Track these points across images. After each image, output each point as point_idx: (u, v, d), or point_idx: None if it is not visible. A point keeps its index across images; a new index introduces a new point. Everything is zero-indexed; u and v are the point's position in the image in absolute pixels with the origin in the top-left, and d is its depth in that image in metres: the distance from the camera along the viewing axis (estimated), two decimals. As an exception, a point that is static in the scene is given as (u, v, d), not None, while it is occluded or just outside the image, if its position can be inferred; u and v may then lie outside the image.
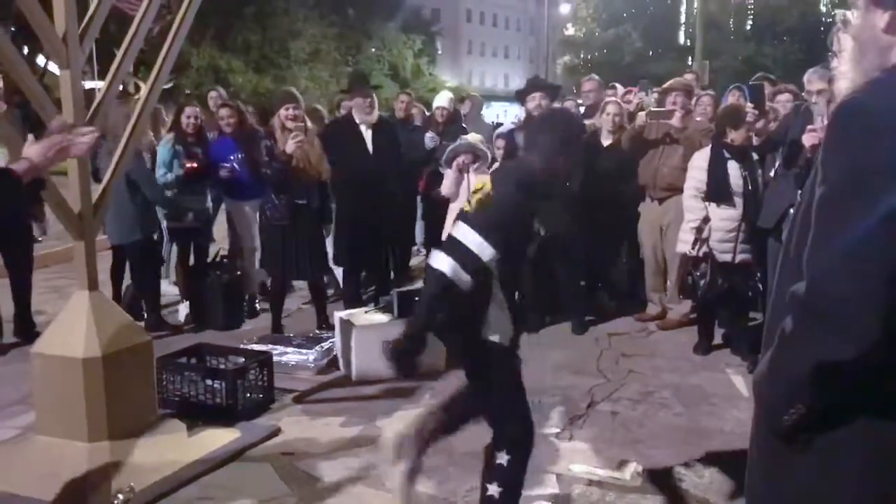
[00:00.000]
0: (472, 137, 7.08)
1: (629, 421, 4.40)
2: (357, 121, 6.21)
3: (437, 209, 7.01)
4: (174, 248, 6.77)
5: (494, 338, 2.90)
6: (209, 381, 4.43)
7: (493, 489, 2.93)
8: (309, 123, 5.87)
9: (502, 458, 2.93)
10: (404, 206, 7.04)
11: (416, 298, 5.23)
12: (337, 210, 6.34)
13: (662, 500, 3.48)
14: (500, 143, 6.37)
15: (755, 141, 5.60)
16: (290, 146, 5.48)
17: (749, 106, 5.28)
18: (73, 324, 3.77)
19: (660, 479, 3.67)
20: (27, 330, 5.76)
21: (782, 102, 6.20)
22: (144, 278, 6.06)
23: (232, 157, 6.37)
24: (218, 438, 4.05)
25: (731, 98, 6.73)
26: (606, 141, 6.31)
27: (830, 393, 1.51)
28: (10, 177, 2.55)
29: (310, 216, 5.75)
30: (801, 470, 1.61)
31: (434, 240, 7.25)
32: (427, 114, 8.33)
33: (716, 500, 3.44)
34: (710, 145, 5.49)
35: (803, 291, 1.49)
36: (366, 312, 5.39)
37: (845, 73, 1.63)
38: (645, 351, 5.67)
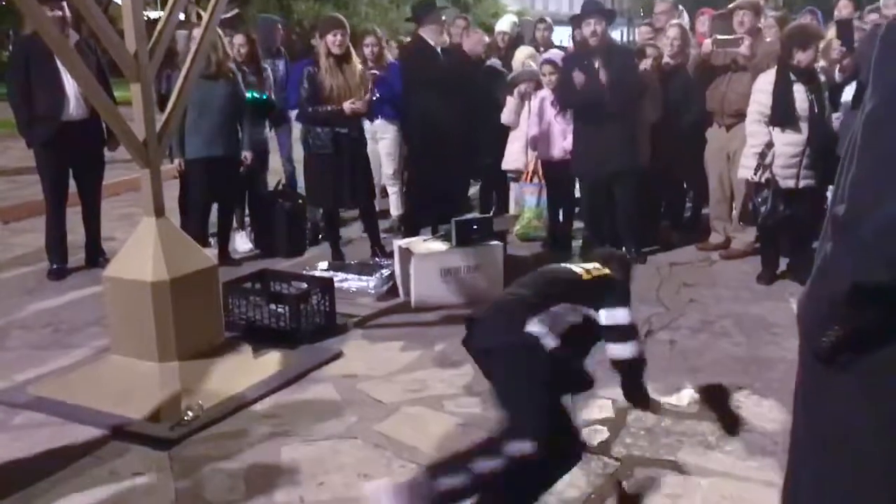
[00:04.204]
0: (524, 49, 7.02)
1: (688, 349, 4.38)
2: (432, 43, 6.19)
3: (496, 138, 6.97)
4: None
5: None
6: (273, 306, 4.55)
7: None
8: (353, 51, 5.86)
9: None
10: (473, 133, 7.02)
11: (475, 227, 5.31)
12: (415, 136, 6.40)
13: (719, 426, 3.48)
14: (548, 68, 6.22)
15: (839, 77, 5.37)
16: (347, 107, 5.55)
17: (836, 42, 5.02)
18: (141, 249, 3.90)
19: (717, 405, 3.67)
20: (97, 256, 5.98)
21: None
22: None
23: None
24: (282, 360, 4.18)
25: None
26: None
27: (867, 315, 1.48)
28: None
29: (351, 143, 5.78)
30: (839, 392, 1.59)
31: (493, 170, 7.22)
32: (486, 40, 8.17)
33: (773, 427, 3.42)
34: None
35: (843, 212, 1.45)
36: (424, 241, 5.44)
37: None
38: (706, 280, 5.60)
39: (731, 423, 3.51)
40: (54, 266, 5.79)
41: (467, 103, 6.35)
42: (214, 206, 6.15)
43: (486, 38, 7.54)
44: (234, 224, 6.56)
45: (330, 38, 5.59)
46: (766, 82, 5.28)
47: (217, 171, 5.84)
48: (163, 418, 3.56)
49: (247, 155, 6.04)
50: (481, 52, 6.69)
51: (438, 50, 6.23)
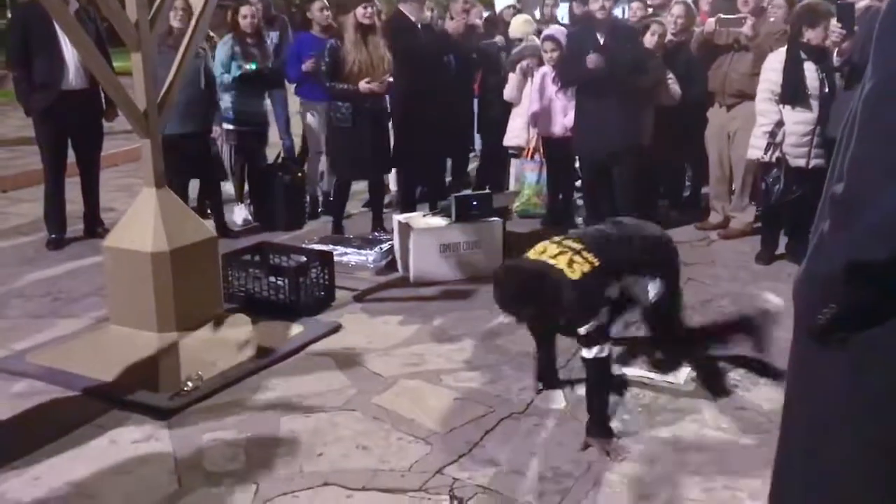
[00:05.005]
0: (519, 17, 6.95)
1: (685, 328, 4.39)
2: (413, 19, 6.13)
3: (493, 112, 6.94)
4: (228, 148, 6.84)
5: None
6: (273, 278, 4.56)
7: None
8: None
9: None
10: (461, 110, 6.96)
11: (475, 203, 5.30)
12: (397, 113, 6.33)
13: (715, 404, 3.51)
14: (549, 45, 6.17)
15: (836, 61, 5.35)
16: (363, 87, 5.56)
17: (836, 25, 4.97)
18: (141, 220, 3.90)
19: (714, 384, 3.69)
20: (96, 226, 5.97)
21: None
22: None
23: (313, 54, 6.16)
24: (281, 332, 4.19)
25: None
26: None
27: (863, 292, 1.48)
28: None
29: (371, 117, 5.78)
30: (832, 370, 1.59)
31: (492, 145, 7.19)
32: (485, 14, 8.09)
33: (769, 406, 3.44)
34: (784, 46, 5.27)
35: (841, 191, 1.45)
36: (423, 216, 5.44)
37: None
38: (705, 259, 5.60)
39: (726, 402, 3.53)
40: (53, 236, 5.79)
41: (449, 80, 6.27)
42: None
43: (484, 13, 7.46)
44: (234, 196, 6.54)
45: (360, 10, 5.59)
46: (776, 61, 5.25)
47: (191, 147, 5.79)
48: (162, 388, 3.57)
49: (217, 129, 6.08)
50: (463, 29, 6.54)
51: (419, 26, 6.16)
